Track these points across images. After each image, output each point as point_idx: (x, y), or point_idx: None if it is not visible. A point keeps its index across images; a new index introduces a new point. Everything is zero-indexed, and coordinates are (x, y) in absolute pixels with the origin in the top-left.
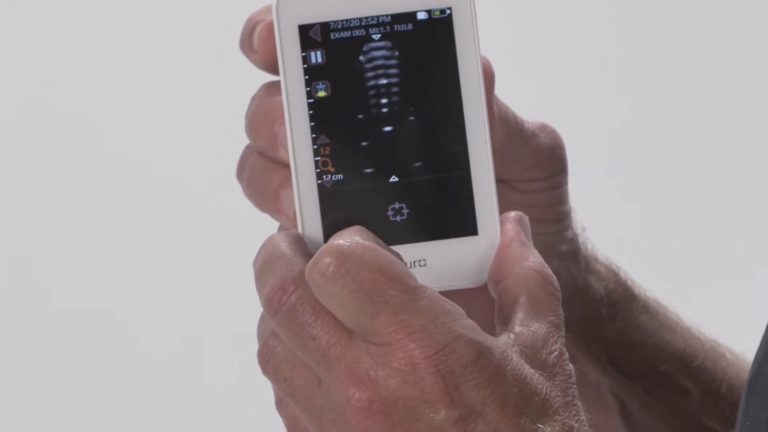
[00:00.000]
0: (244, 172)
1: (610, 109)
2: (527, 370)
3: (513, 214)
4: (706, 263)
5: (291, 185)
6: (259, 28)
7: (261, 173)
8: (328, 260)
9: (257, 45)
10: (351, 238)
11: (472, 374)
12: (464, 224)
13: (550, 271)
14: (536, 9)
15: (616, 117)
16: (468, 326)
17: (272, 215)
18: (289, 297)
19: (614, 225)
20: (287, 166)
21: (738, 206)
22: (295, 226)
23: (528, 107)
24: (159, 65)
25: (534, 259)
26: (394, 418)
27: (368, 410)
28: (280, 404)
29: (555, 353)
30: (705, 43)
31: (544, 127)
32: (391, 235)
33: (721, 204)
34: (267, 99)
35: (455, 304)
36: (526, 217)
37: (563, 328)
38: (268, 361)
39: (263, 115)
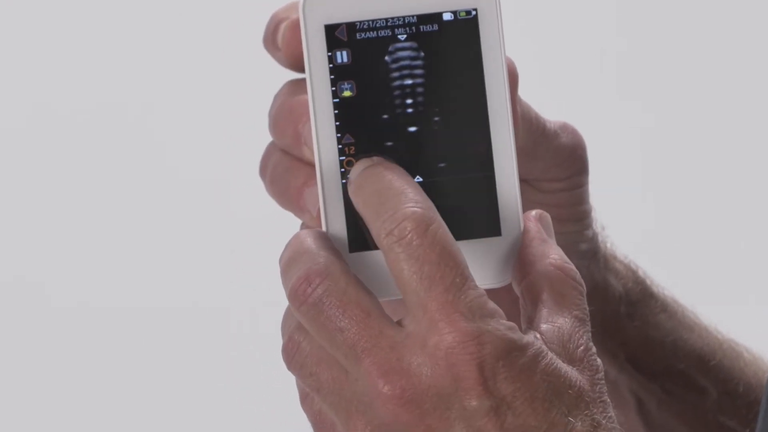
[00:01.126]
0: (267, 169)
1: (631, 109)
2: (561, 364)
3: (534, 212)
4: (725, 263)
5: (314, 184)
6: (283, 25)
7: (284, 171)
8: (409, 226)
9: (281, 43)
10: (424, 204)
11: (503, 367)
12: (488, 225)
13: (572, 266)
14: (558, 10)
15: (638, 116)
16: (506, 325)
17: (295, 213)
18: (314, 289)
19: (634, 222)
20: (311, 164)
21: (760, 206)
22: (319, 225)
23: (550, 105)
24: (165, 60)
25: (555, 255)
26: (424, 407)
27: (399, 399)
28: (305, 400)
29: (582, 347)
30: (728, 45)
31: (565, 127)
32: None
33: (742, 204)
34: (291, 97)
35: (494, 304)
36: (548, 215)
37: (588, 323)
38: (293, 356)
39: (288, 113)
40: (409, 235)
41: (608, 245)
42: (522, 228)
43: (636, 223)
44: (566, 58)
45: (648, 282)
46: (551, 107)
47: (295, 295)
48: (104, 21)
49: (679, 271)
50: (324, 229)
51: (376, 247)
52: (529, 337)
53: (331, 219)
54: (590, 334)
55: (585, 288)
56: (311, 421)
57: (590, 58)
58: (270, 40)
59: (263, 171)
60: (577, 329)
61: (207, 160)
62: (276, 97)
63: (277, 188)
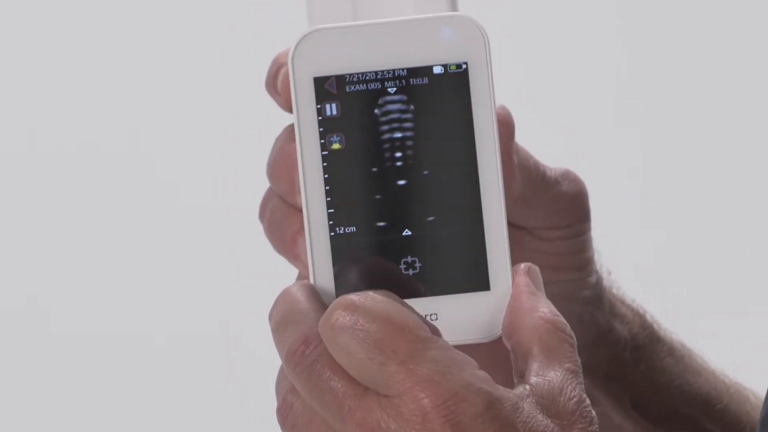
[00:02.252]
0: (266, 214)
1: (628, 141)
2: (540, 420)
3: (522, 266)
4: (721, 291)
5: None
6: (282, 71)
7: (281, 217)
8: (337, 312)
9: (281, 88)
10: (363, 293)
11: (482, 424)
12: (476, 279)
13: (561, 319)
14: (553, 54)
15: (635, 148)
16: (479, 377)
17: (289, 260)
18: (311, 351)
19: (633, 252)
20: None
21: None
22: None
23: (547, 142)
24: (157, 63)
25: (545, 308)
26: None
27: None
28: None
29: (574, 400)
30: (725, 70)
31: (567, 174)
32: (403, 288)
33: (742, 232)
34: (288, 144)
35: (466, 355)
36: (536, 268)
37: (581, 375)
38: (286, 417)
39: (284, 160)
40: (339, 320)
41: (614, 290)
42: (511, 281)
43: (635, 252)
44: (561, 95)
45: (655, 326)
46: (548, 142)
47: (291, 358)
48: (99, 28)
49: (678, 298)
50: (312, 280)
51: None
52: (516, 390)
53: (319, 271)
54: (583, 386)
55: (576, 341)
56: None
57: (588, 93)
58: (271, 84)
59: (262, 215)
60: (569, 381)
61: (206, 162)
62: (276, 141)
63: (273, 234)
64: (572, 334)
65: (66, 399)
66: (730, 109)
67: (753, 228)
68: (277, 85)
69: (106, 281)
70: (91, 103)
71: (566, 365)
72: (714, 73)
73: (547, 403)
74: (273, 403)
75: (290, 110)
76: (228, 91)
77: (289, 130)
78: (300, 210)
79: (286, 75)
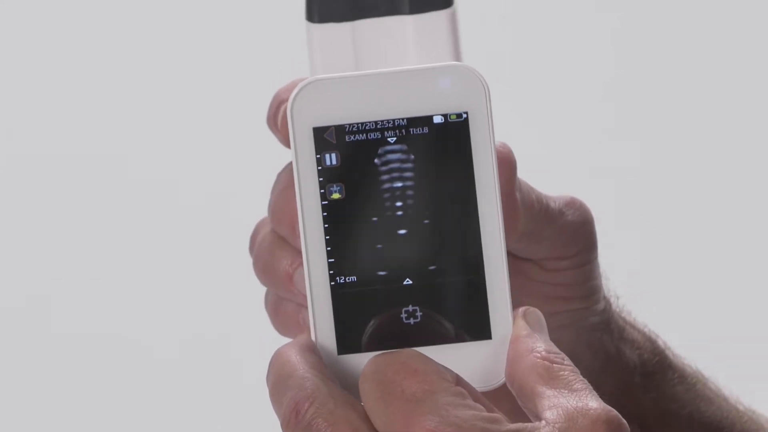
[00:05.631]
0: (258, 248)
1: (612, 147)
2: None
3: (521, 310)
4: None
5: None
6: (283, 107)
7: (277, 252)
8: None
9: (281, 125)
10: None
11: None
12: (478, 328)
13: (560, 353)
14: (537, 51)
15: (619, 154)
16: (487, 418)
17: (280, 293)
18: (304, 415)
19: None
20: None
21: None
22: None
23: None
24: (160, 67)
25: (541, 346)
26: None
27: None
28: None
29: (591, 411)
30: (715, 86)
31: (572, 203)
32: (404, 337)
33: (737, 247)
34: (290, 188)
35: (479, 396)
36: (534, 310)
37: (591, 389)
38: None
39: (285, 203)
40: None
41: (624, 315)
42: (512, 329)
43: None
44: (557, 126)
45: (667, 352)
46: (541, 155)
47: (287, 423)
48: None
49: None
50: (312, 332)
51: (365, 350)
52: (517, 425)
53: (320, 322)
54: (596, 393)
55: (577, 368)
56: None
57: (577, 93)
58: (272, 120)
59: (252, 248)
60: (580, 398)
61: (206, 164)
62: (277, 179)
63: (266, 268)
64: (571, 362)
65: (66, 399)
66: (725, 112)
67: (749, 231)
68: (278, 123)
69: (106, 281)
70: (90, 103)
71: (574, 386)
72: (701, 79)
73: (569, 426)
74: (268, 406)
75: (290, 146)
76: (227, 93)
77: (288, 174)
78: (298, 249)
79: (286, 114)
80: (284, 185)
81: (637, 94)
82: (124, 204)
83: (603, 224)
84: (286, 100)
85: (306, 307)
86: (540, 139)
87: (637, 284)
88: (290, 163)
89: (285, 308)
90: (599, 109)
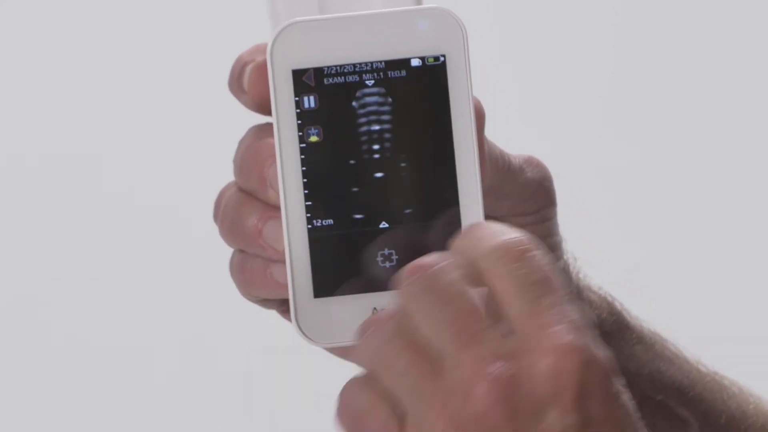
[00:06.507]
0: (224, 210)
1: (612, 146)
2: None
3: None
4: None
5: (271, 218)
6: (249, 68)
7: (244, 210)
8: (513, 252)
9: (247, 86)
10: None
11: (601, 390)
12: None
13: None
14: (536, 49)
15: (618, 153)
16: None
17: (250, 250)
18: (444, 266)
19: (617, 261)
20: (275, 206)
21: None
22: (283, 260)
23: (530, 143)
24: (155, 61)
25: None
26: (518, 409)
27: (500, 386)
28: (354, 387)
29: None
30: (711, 82)
31: (530, 161)
32: (380, 280)
33: (729, 242)
34: (256, 141)
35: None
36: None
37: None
38: (381, 328)
39: (253, 156)
40: (515, 256)
41: (581, 276)
42: None
43: (619, 260)
44: (547, 94)
45: (624, 314)
46: (532, 143)
47: (416, 269)
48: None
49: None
50: (289, 273)
51: (340, 293)
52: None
53: (296, 263)
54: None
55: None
56: (351, 414)
57: (572, 95)
58: (236, 83)
59: (218, 212)
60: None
61: (206, 168)
62: (241, 141)
63: (234, 227)
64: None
65: (66, 399)
66: (725, 112)
67: (748, 232)
68: (243, 83)
69: (104, 282)
70: (90, 104)
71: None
72: (701, 79)
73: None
74: (267, 406)
75: (256, 108)
76: (227, 93)
77: (255, 129)
78: (268, 203)
79: (254, 71)
80: (250, 142)
81: (637, 94)
82: (124, 204)
83: (603, 223)
84: (250, 62)
85: (275, 262)
86: (540, 139)
87: (637, 284)
88: (251, 128)
89: (252, 265)
90: (599, 109)
